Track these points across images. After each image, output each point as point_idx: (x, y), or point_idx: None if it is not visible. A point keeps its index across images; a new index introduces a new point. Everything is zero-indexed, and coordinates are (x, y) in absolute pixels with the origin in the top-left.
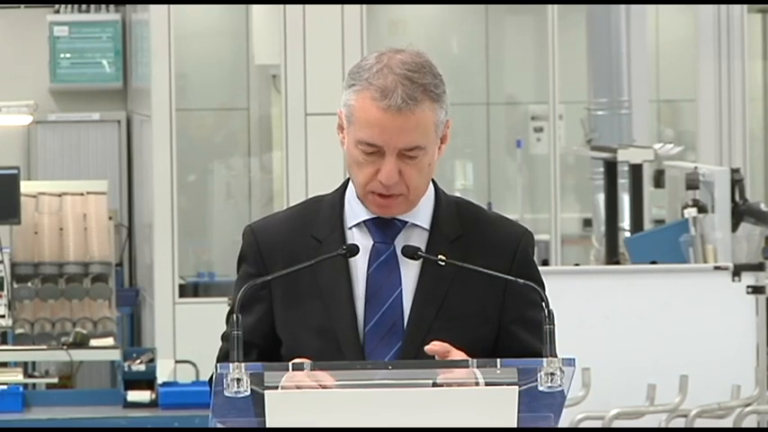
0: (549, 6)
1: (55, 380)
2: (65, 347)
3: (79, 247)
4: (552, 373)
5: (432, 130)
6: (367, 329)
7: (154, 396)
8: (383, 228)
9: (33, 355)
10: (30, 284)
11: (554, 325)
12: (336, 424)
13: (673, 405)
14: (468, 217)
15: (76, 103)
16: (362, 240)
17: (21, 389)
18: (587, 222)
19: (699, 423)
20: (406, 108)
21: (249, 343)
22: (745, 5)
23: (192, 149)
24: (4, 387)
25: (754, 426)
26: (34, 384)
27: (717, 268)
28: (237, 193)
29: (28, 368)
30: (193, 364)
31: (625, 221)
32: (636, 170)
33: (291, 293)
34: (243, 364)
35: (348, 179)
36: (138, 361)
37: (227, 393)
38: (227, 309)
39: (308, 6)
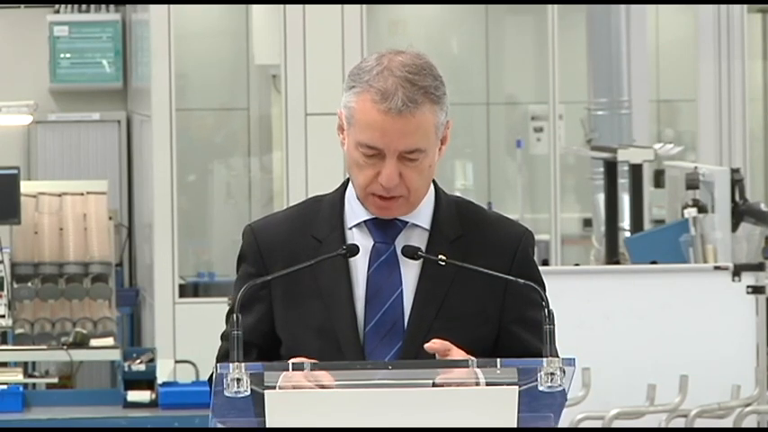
0: (549, 6)
1: (55, 380)
2: (65, 347)
3: (79, 247)
4: (552, 373)
5: (432, 133)
6: (367, 329)
7: (154, 396)
8: (383, 228)
9: (33, 355)
10: (30, 284)
11: (554, 325)
12: (336, 424)
13: (673, 405)
14: (469, 217)
15: (76, 103)
16: (363, 240)
17: (21, 389)
18: (587, 222)
19: (699, 423)
20: (406, 111)
21: (249, 343)
22: (745, 5)
23: (192, 149)
24: (4, 387)
25: (754, 426)
26: (34, 384)
27: (717, 268)
28: (237, 193)
29: (28, 368)
30: (193, 364)
31: (625, 221)
32: (636, 170)
33: (291, 293)
34: (243, 364)
35: (348, 179)
36: (138, 361)
37: (227, 393)
38: (227, 308)
39: (308, 6)
